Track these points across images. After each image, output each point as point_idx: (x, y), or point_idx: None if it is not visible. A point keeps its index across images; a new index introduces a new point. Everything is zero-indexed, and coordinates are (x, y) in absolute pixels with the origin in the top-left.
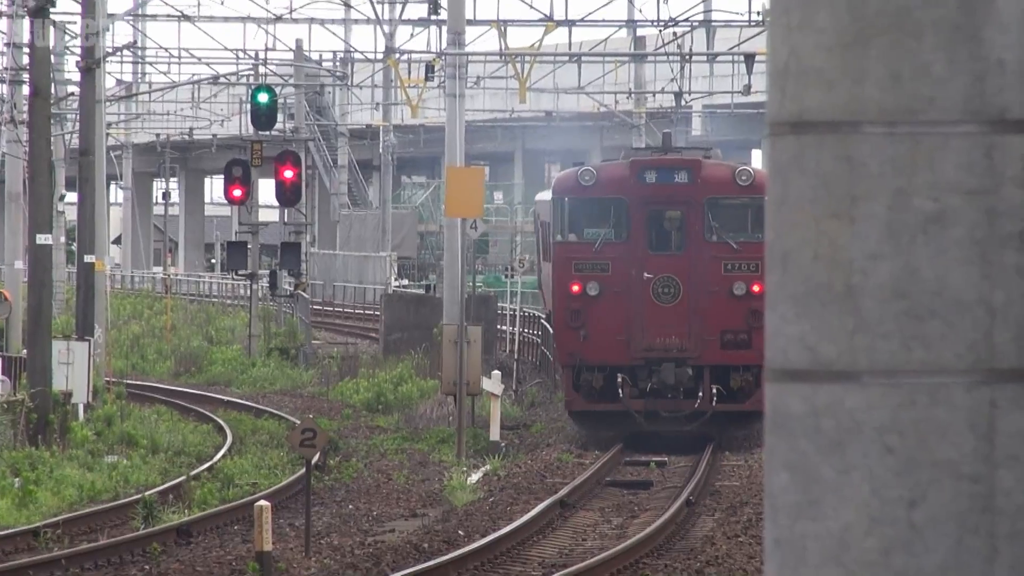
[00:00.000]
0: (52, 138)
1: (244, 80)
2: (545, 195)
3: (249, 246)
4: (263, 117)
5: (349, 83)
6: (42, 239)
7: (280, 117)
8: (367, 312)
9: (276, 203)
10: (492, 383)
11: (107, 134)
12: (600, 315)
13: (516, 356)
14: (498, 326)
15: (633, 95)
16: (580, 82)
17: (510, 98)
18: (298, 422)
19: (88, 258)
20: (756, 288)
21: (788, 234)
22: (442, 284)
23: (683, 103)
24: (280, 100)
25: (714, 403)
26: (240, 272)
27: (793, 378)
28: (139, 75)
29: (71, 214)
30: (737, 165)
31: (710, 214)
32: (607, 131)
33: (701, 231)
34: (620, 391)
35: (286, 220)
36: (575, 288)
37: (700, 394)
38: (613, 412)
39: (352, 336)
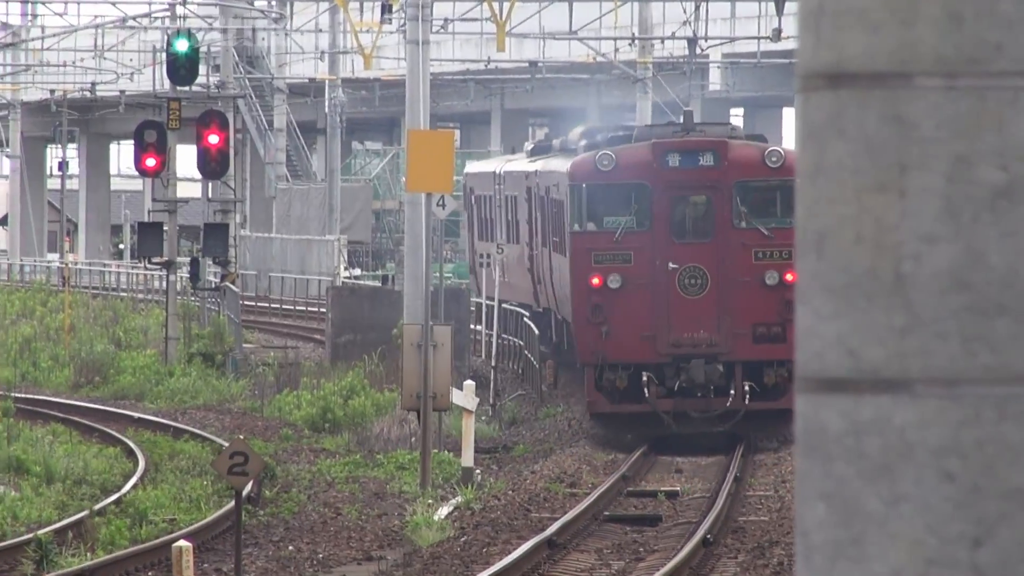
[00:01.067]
0: None
1: (158, 23)
2: (477, 166)
3: (165, 228)
4: (182, 69)
5: (287, 27)
6: None
7: (203, 69)
8: (310, 309)
9: (198, 175)
10: (464, 396)
11: None
12: (623, 310)
13: (494, 363)
14: (472, 326)
15: (637, 42)
16: (571, 25)
17: (486, 45)
18: (226, 444)
19: None
20: (790, 277)
21: (824, 212)
22: (402, 275)
23: (698, 51)
24: (203, 48)
25: (747, 401)
26: (154, 260)
27: (830, 388)
28: (29, 17)
29: None
30: (766, 146)
31: (739, 199)
32: (605, 86)
33: (729, 217)
34: (646, 391)
35: (210, 196)
36: (595, 281)
37: (732, 392)
38: (639, 414)
39: (292, 338)
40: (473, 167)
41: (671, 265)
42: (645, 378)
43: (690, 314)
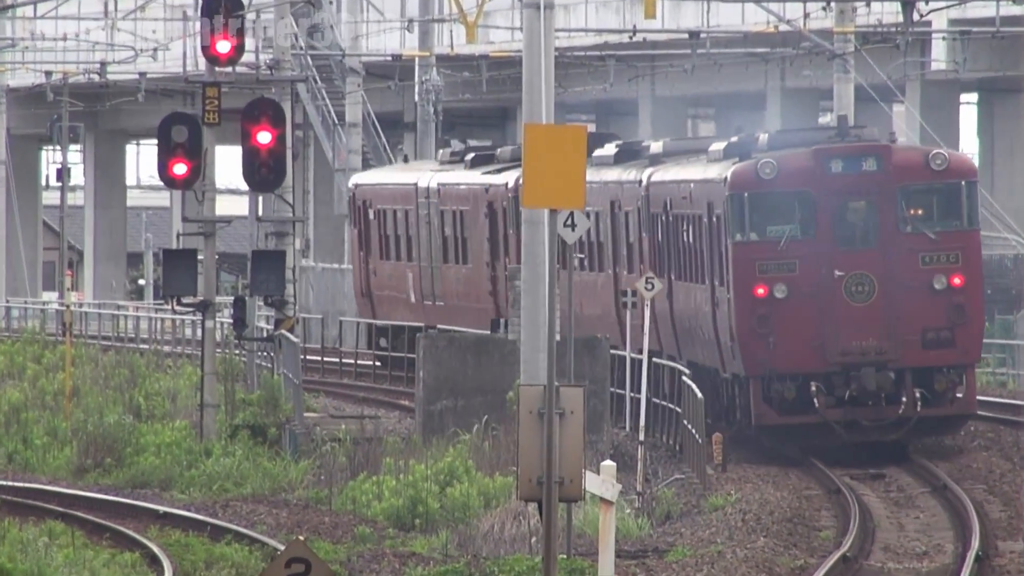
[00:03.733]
0: None
1: None
2: (374, 176)
3: (200, 257)
4: (222, 44)
5: None
6: None
7: (250, 44)
8: (396, 365)
9: (244, 186)
10: (602, 482)
11: None
12: (789, 319)
13: (642, 436)
14: (612, 387)
15: (834, 5)
16: None
17: (630, 11)
18: (282, 548)
19: None
20: (957, 281)
21: None
22: (517, 318)
23: (917, 17)
24: (250, 16)
25: (918, 408)
26: (185, 301)
27: None
28: None
29: None
30: (929, 148)
31: (903, 203)
32: (792, 64)
33: (895, 222)
34: (815, 401)
35: (261, 214)
36: (760, 291)
37: (903, 399)
38: (807, 425)
39: (370, 405)
40: (367, 177)
41: (837, 272)
42: (814, 388)
43: (858, 321)
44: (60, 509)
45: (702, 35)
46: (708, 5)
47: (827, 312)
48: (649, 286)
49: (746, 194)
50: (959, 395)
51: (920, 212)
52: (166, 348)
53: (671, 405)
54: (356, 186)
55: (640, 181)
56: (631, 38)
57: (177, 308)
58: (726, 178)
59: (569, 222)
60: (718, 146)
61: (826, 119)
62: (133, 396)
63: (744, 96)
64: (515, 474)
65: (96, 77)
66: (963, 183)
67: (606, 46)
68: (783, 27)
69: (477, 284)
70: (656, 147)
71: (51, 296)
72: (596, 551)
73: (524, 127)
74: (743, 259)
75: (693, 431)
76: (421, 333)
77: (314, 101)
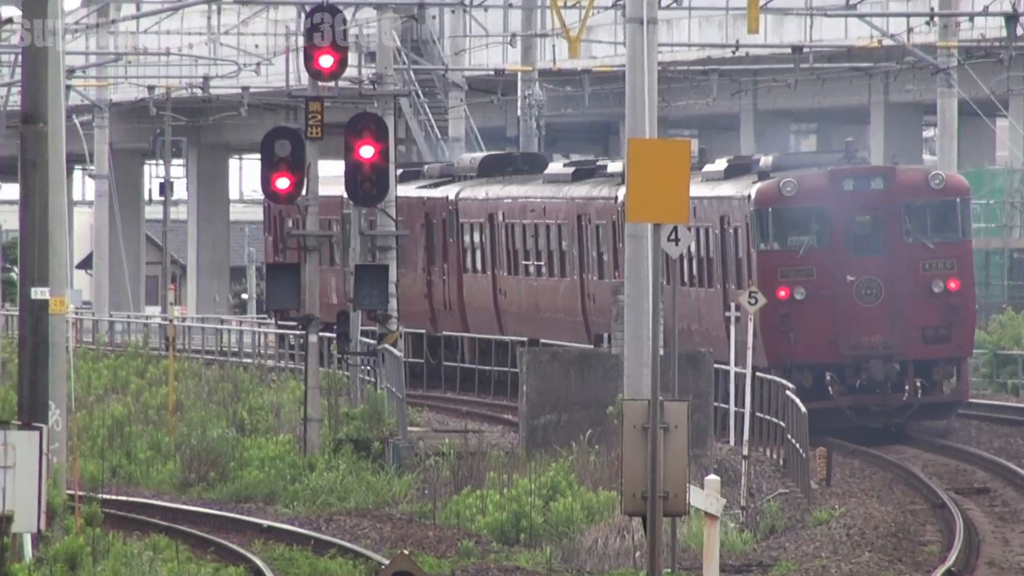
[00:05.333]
0: None
1: None
2: None
3: (304, 271)
4: (325, 58)
5: (467, 2)
6: None
7: (353, 58)
8: (500, 379)
9: (347, 200)
10: (706, 496)
11: (68, 88)
12: (807, 317)
13: (746, 451)
14: (715, 401)
15: (937, 19)
16: None
17: (733, 25)
18: (386, 562)
19: (38, 292)
20: (953, 285)
21: None
22: (621, 332)
23: (1020, 31)
24: (353, 30)
25: (919, 396)
26: (289, 315)
27: None
28: None
29: (9, 220)
30: (929, 169)
31: (906, 217)
32: (895, 78)
33: (899, 234)
34: (830, 389)
35: (364, 228)
36: (782, 294)
37: (906, 388)
38: (823, 409)
39: (474, 419)
40: None
41: (849, 277)
42: (828, 377)
43: (867, 320)
44: (164, 523)
45: (805, 50)
46: (811, 20)
47: (840, 312)
48: (752, 300)
49: (770, 209)
50: (953, 384)
51: (920, 225)
52: (269, 362)
53: (774, 419)
54: None
55: (616, 197)
56: (734, 53)
57: (280, 322)
58: (749, 195)
59: (674, 236)
60: (714, 167)
61: (929, 134)
62: (236, 410)
63: (847, 111)
64: (619, 488)
65: (199, 91)
66: (958, 200)
67: (709, 60)
68: (886, 42)
69: (411, 289)
70: (615, 167)
71: (154, 310)
72: (701, 565)
73: (628, 141)
74: (767, 265)
75: (797, 445)
76: (523, 348)
77: (416, 116)
